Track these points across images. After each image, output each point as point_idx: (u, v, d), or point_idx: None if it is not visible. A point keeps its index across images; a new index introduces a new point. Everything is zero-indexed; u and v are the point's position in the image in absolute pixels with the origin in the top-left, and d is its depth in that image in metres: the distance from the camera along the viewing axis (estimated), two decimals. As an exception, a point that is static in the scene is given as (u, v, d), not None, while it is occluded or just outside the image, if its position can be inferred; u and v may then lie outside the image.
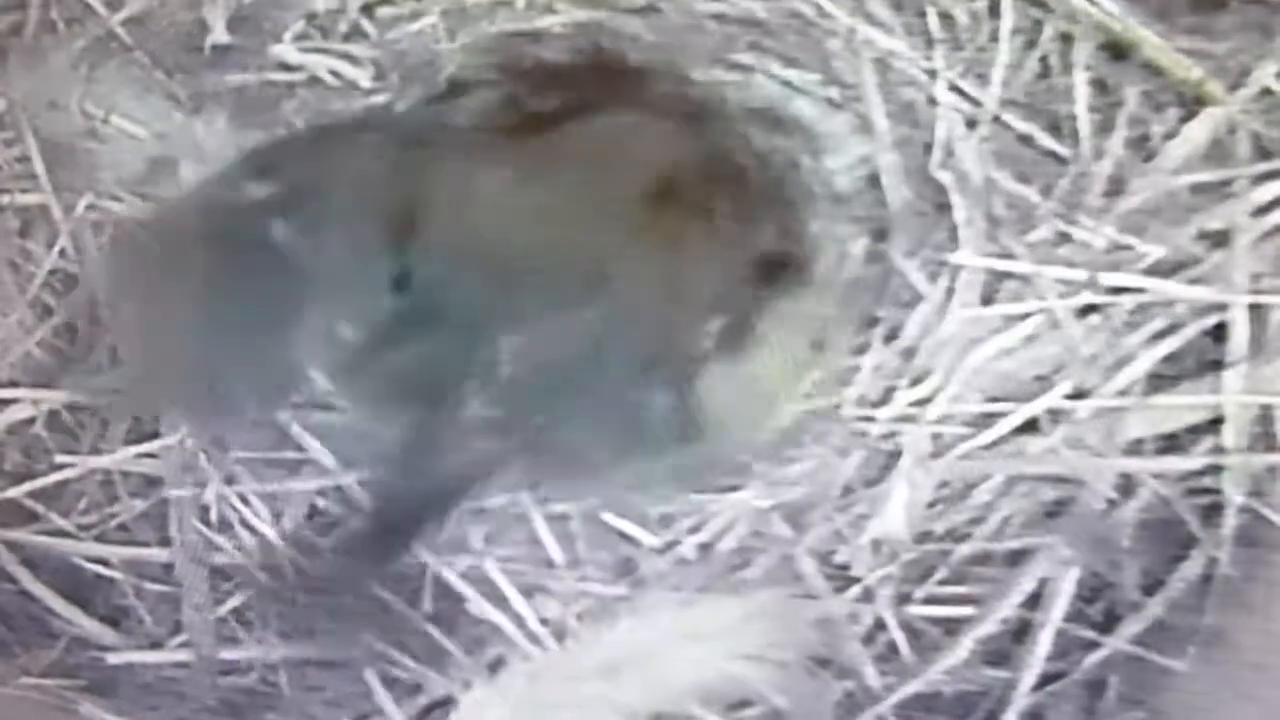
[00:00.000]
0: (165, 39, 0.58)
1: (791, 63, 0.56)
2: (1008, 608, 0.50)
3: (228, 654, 0.52)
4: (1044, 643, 0.49)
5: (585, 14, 0.57)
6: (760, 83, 0.55)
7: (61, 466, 0.54)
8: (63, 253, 0.56)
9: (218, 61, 0.58)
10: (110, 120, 0.57)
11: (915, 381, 0.52)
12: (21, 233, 0.57)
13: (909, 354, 0.53)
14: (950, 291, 0.53)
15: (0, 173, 0.57)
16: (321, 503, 0.53)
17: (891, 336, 0.53)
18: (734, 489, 0.52)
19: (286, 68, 0.58)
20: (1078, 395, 0.52)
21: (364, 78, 0.57)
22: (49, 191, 0.56)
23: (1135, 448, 0.51)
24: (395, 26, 0.58)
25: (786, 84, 0.55)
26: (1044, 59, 0.56)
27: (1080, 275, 0.52)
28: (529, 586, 0.51)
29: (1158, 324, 0.52)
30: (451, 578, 0.51)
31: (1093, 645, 0.50)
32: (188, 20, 0.58)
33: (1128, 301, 0.52)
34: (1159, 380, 0.52)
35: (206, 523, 0.53)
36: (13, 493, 0.54)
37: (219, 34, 0.58)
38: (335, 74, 0.58)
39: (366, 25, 0.58)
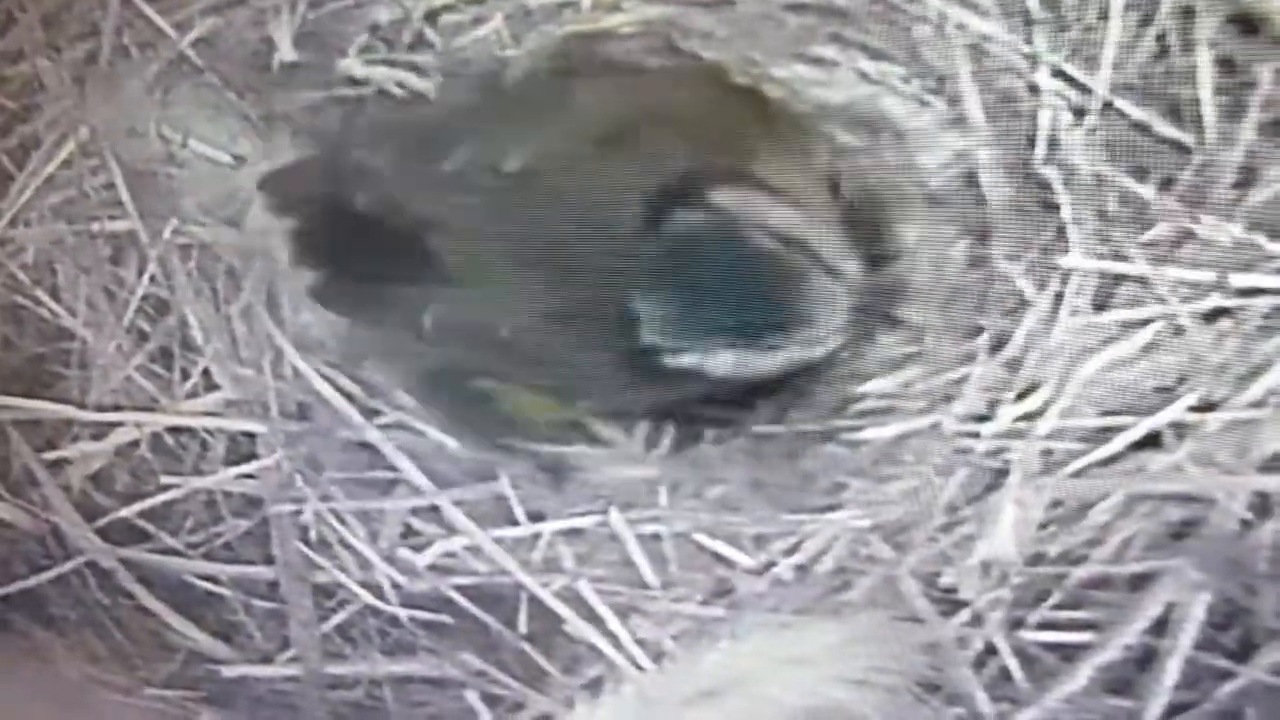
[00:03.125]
0: (234, 59, 0.58)
1: (877, 54, 0.52)
2: (1131, 634, 0.47)
3: (334, 669, 0.53)
4: (1172, 671, 0.46)
5: (654, 10, 0.54)
6: (843, 78, 0.52)
7: (167, 487, 0.56)
8: (153, 278, 0.57)
9: (286, 80, 0.57)
10: (188, 145, 0.57)
11: (1023, 394, 0.49)
12: (113, 259, 0.58)
13: (1015, 365, 0.50)
14: (1059, 297, 0.50)
15: (88, 200, 0.58)
16: (416, 522, 0.54)
17: (996, 346, 0.50)
18: (830, 508, 0.51)
19: (354, 82, 0.57)
20: (1205, 407, 0.48)
21: (431, 88, 0.56)
22: (136, 218, 0.57)
23: (1273, 464, 0.47)
24: (459, 33, 0.57)
25: (871, 77, 0.51)
26: (1161, 37, 0.51)
27: (1206, 276, 0.48)
28: (623, 607, 0.51)
29: (1297, 328, 0.48)
30: (547, 598, 0.51)
31: (1227, 675, 0.46)
32: (254, 39, 0.58)
33: (1262, 304, 0.48)
34: (1299, 389, 0.48)
35: (306, 542, 0.54)
36: (124, 512, 0.56)
37: (286, 51, 0.57)
38: (402, 86, 0.56)
39: (430, 34, 0.57)
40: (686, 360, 0.48)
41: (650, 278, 0.47)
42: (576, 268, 0.48)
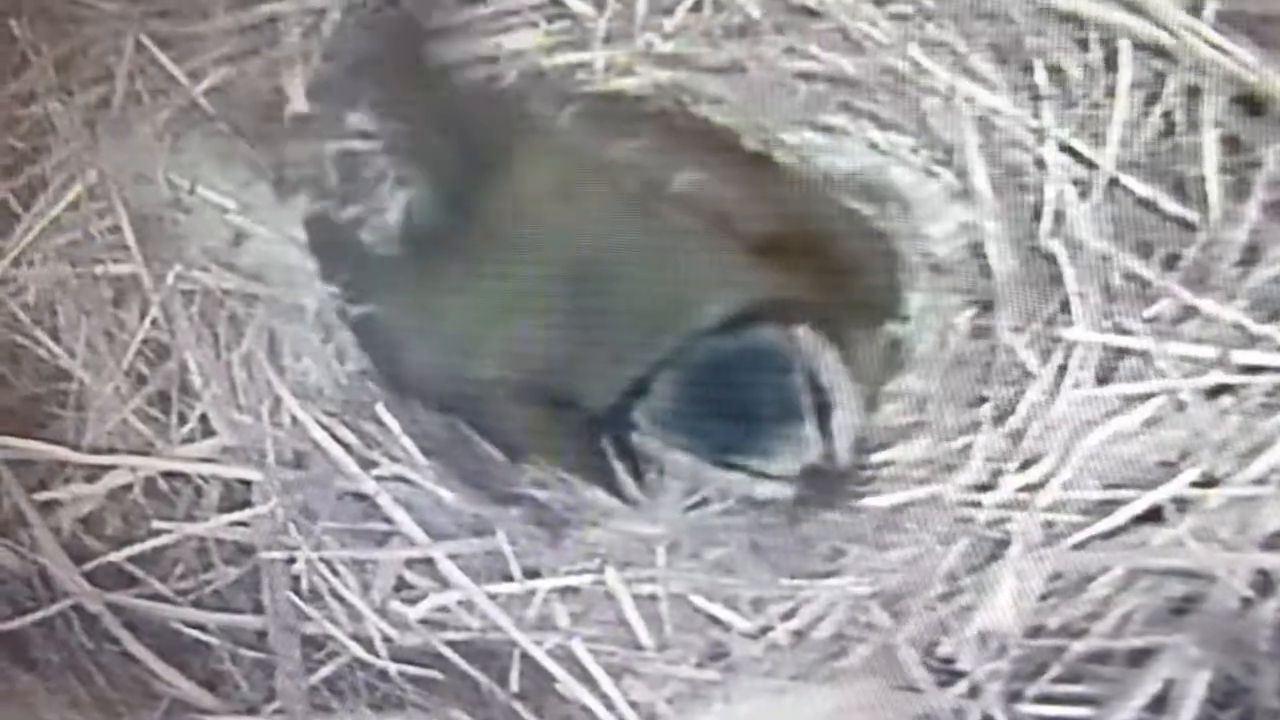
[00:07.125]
0: (246, 108, 0.58)
1: (886, 124, 0.53)
2: (1130, 710, 0.46)
3: (320, 723, 0.52)
4: (1172, 749, 0.46)
5: (665, 75, 0.55)
6: (852, 146, 0.52)
7: (158, 532, 0.55)
8: (154, 322, 0.57)
9: (297, 130, 0.57)
10: (195, 191, 0.57)
11: (1025, 465, 0.49)
12: (115, 302, 0.58)
13: (1018, 436, 0.50)
14: (1062, 370, 0.50)
15: (94, 243, 0.58)
16: (409, 575, 0.53)
17: (999, 417, 0.50)
18: (829, 574, 0.50)
19: (365, 135, 0.57)
20: (1207, 483, 0.48)
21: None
22: (140, 262, 0.57)
23: (1274, 541, 0.47)
24: (474, 89, 0.57)
25: (880, 147, 0.52)
26: (1168, 115, 0.52)
27: (1209, 353, 0.48)
28: (617, 668, 0.50)
29: (1300, 406, 0.48)
30: (540, 656, 0.51)
31: (1227, 754, 0.46)
32: (266, 89, 0.58)
33: (1264, 381, 0.48)
34: (1301, 468, 0.48)
35: (297, 592, 0.53)
36: (114, 557, 0.55)
37: (298, 103, 0.57)
38: (413, 139, 0.56)
39: (443, 90, 0.58)
40: (651, 444, 0.49)
41: (688, 367, 0.48)
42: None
